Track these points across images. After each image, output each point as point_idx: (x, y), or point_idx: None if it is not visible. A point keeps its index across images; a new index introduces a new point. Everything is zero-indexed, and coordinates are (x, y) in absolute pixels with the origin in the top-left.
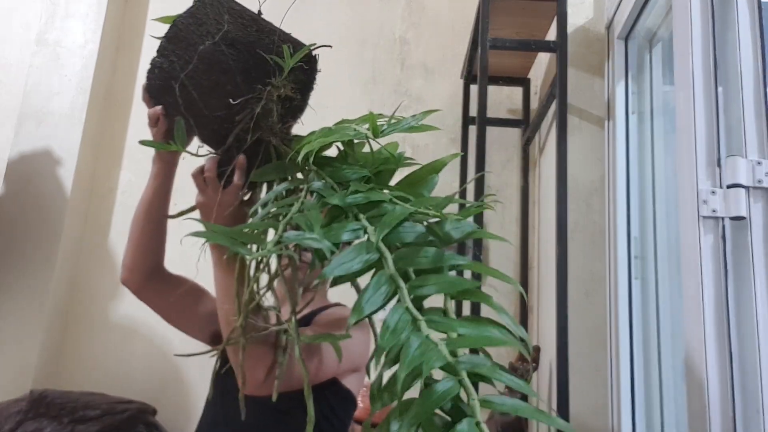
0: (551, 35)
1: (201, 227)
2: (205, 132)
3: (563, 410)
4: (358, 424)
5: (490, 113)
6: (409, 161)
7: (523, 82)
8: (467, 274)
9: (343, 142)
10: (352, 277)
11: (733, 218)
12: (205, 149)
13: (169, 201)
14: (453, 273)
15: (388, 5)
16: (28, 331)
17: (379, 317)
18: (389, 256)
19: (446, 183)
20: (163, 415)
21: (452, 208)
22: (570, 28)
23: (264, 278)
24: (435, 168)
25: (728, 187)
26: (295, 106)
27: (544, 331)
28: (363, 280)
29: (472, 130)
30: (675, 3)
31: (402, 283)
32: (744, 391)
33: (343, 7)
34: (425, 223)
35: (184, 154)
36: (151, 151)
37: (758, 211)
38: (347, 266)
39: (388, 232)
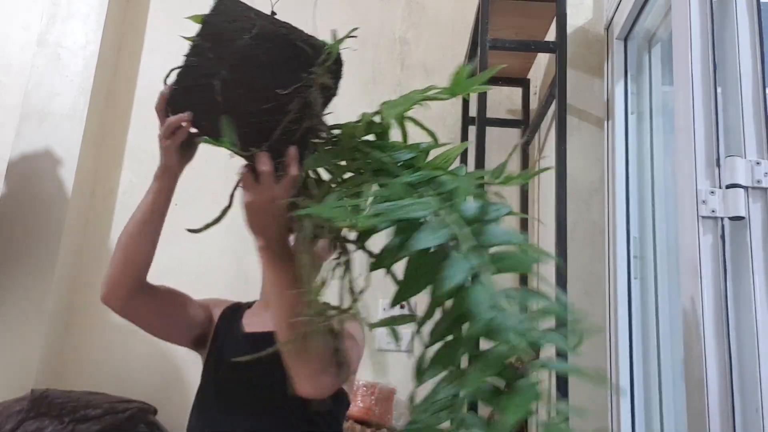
0: (551, 36)
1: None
2: (243, 129)
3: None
4: (358, 424)
5: (490, 113)
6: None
7: (523, 83)
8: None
9: (383, 129)
10: (436, 241)
11: (732, 218)
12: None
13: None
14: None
15: (388, 5)
16: (30, 330)
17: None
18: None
19: None
20: (164, 415)
21: None
22: (569, 29)
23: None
24: (449, 157)
25: (727, 187)
26: (330, 95)
27: None
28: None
29: (472, 130)
30: (674, 3)
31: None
32: (743, 391)
33: (344, 7)
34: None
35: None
36: (154, 153)
37: (757, 211)
38: (429, 239)
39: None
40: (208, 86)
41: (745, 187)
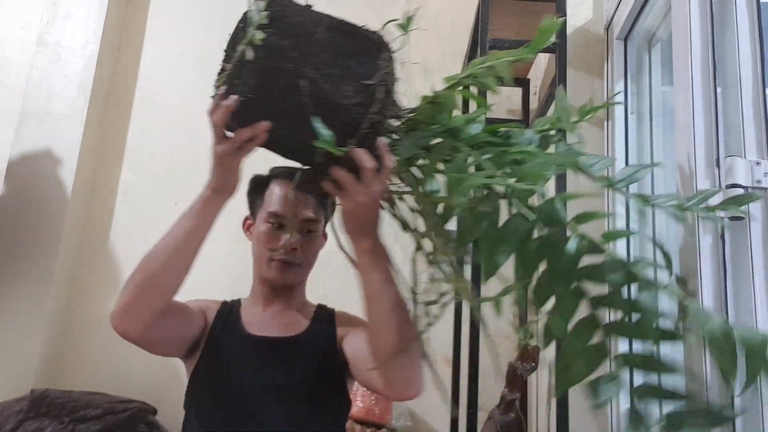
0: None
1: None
2: (332, 127)
3: (563, 410)
4: (358, 424)
5: (490, 113)
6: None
7: (523, 83)
8: None
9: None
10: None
11: (732, 218)
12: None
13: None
14: None
15: (388, 5)
16: (29, 330)
17: None
18: None
19: None
20: (164, 415)
21: None
22: (569, 29)
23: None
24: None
25: (727, 187)
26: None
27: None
28: None
29: None
30: (674, 4)
31: None
32: None
33: (344, 7)
34: None
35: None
36: (155, 153)
37: (757, 211)
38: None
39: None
40: (292, 88)
41: (745, 188)
